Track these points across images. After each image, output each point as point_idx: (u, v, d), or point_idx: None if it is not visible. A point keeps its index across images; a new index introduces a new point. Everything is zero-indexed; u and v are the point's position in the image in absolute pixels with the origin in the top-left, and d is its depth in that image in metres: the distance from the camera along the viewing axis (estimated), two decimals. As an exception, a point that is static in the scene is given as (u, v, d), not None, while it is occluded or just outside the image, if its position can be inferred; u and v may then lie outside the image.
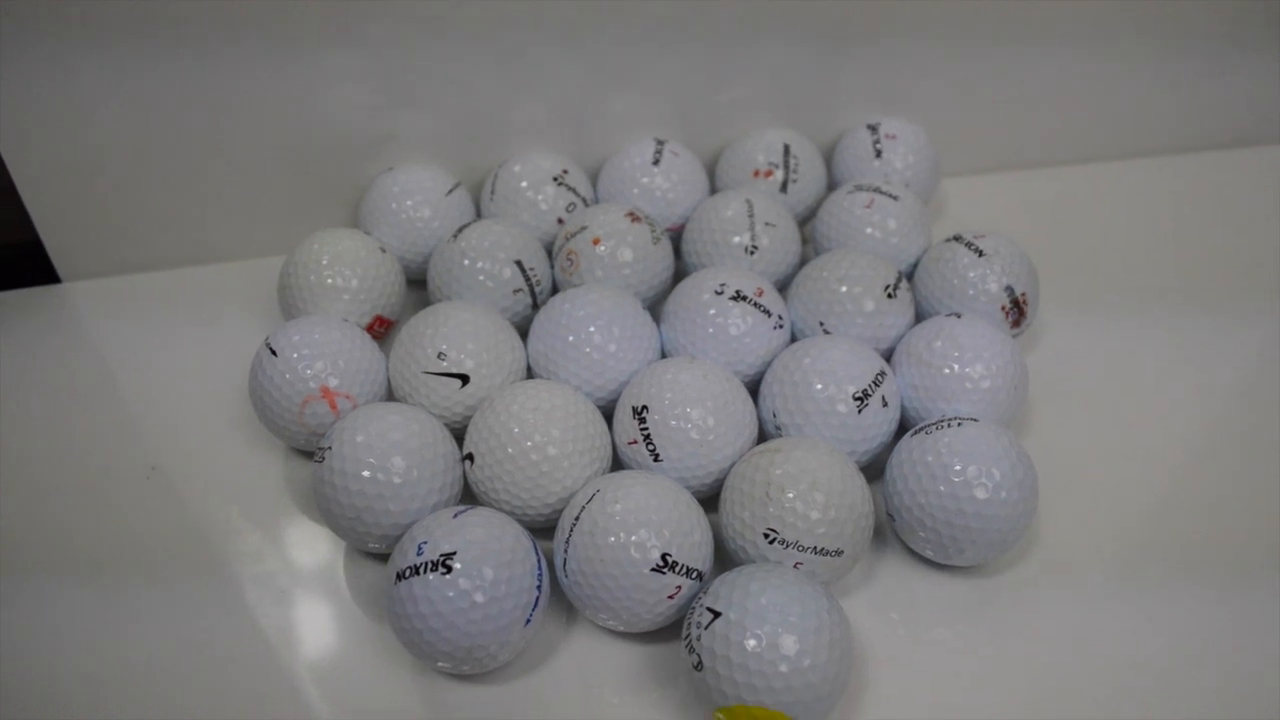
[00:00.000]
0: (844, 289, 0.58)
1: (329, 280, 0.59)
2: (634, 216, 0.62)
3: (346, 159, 0.67)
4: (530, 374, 0.58)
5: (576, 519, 0.47)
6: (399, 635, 0.46)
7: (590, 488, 0.48)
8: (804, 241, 0.67)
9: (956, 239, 0.62)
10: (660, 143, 0.68)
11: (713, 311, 0.57)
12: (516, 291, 0.60)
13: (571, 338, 0.55)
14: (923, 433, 0.51)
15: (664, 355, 0.58)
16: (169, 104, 0.62)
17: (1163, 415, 0.60)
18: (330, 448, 0.49)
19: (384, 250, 0.62)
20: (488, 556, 0.45)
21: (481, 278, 0.59)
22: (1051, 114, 0.77)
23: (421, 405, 0.54)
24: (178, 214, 0.67)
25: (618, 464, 0.54)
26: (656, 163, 0.67)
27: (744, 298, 0.57)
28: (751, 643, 0.42)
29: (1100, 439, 0.59)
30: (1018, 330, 0.61)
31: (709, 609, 0.44)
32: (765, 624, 0.42)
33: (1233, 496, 0.56)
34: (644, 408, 0.52)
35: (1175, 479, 0.57)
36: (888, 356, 0.58)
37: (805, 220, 0.70)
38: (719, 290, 0.57)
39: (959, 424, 0.51)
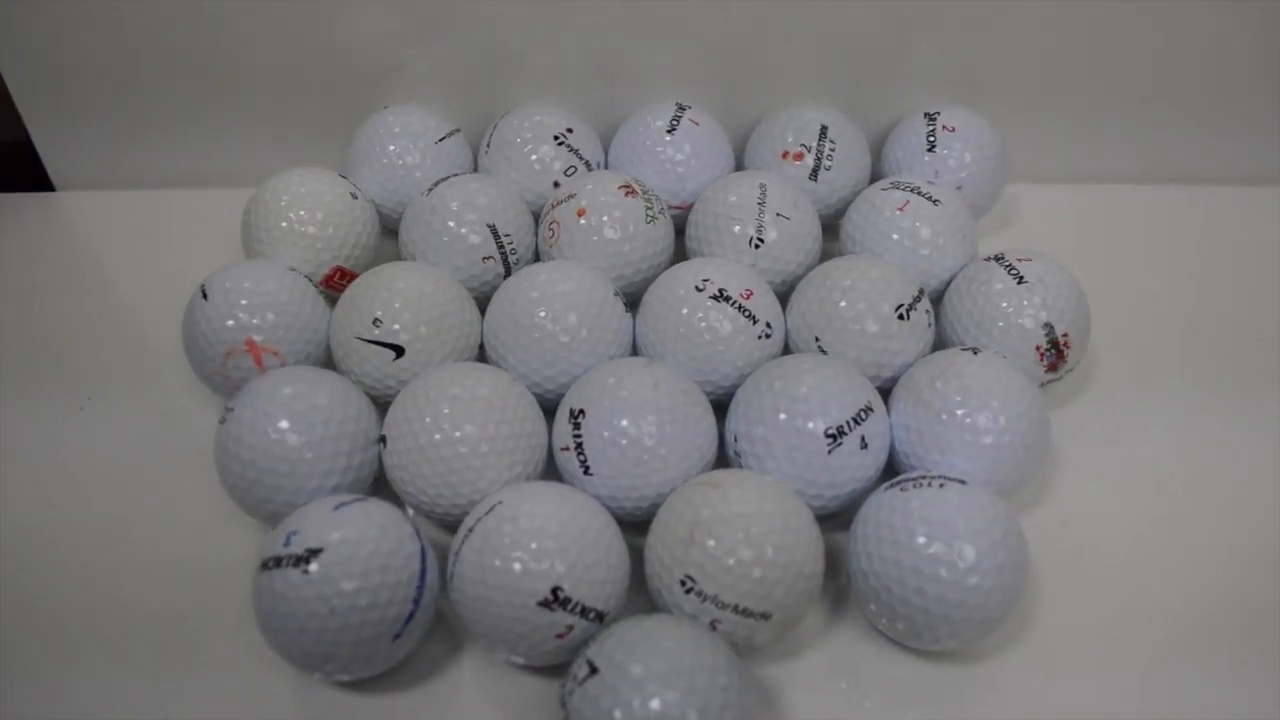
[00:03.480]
0: (844, 303, 0.50)
1: (284, 223, 0.54)
2: (630, 189, 0.55)
3: (352, 89, 0.63)
4: (484, 354, 0.52)
5: (470, 531, 0.42)
6: (259, 626, 0.41)
7: (494, 497, 0.43)
8: (832, 240, 0.59)
9: (997, 259, 0.53)
10: (681, 108, 0.60)
11: (686, 310, 0.50)
12: (486, 259, 0.54)
13: (523, 320, 0.49)
14: (896, 488, 0.44)
15: (636, 352, 0.52)
16: (173, 17, 0.59)
17: (1212, 502, 0.50)
18: (233, 410, 0.45)
19: (355, 196, 0.57)
20: (354, 562, 0.40)
21: (447, 239, 0.54)
22: (1153, 128, 0.66)
23: (351, 374, 0.50)
24: (177, 135, 0.65)
25: (553, 471, 0.48)
26: (672, 131, 0.59)
27: (727, 298, 0.50)
28: (619, 715, 0.36)
29: (1130, 518, 0.49)
30: (1054, 375, 0.52)
31: (589, 662, 0.38)
32: (639, 694, 0.36)
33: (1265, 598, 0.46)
34: (580, 411, 0.46)
35: (1205, 574, 0.48)
36: (891, 387, 0.50)
37: (838, 215, 0.61)
38: (700, 286, 0.50)
39: (940, 484, 0.43)
